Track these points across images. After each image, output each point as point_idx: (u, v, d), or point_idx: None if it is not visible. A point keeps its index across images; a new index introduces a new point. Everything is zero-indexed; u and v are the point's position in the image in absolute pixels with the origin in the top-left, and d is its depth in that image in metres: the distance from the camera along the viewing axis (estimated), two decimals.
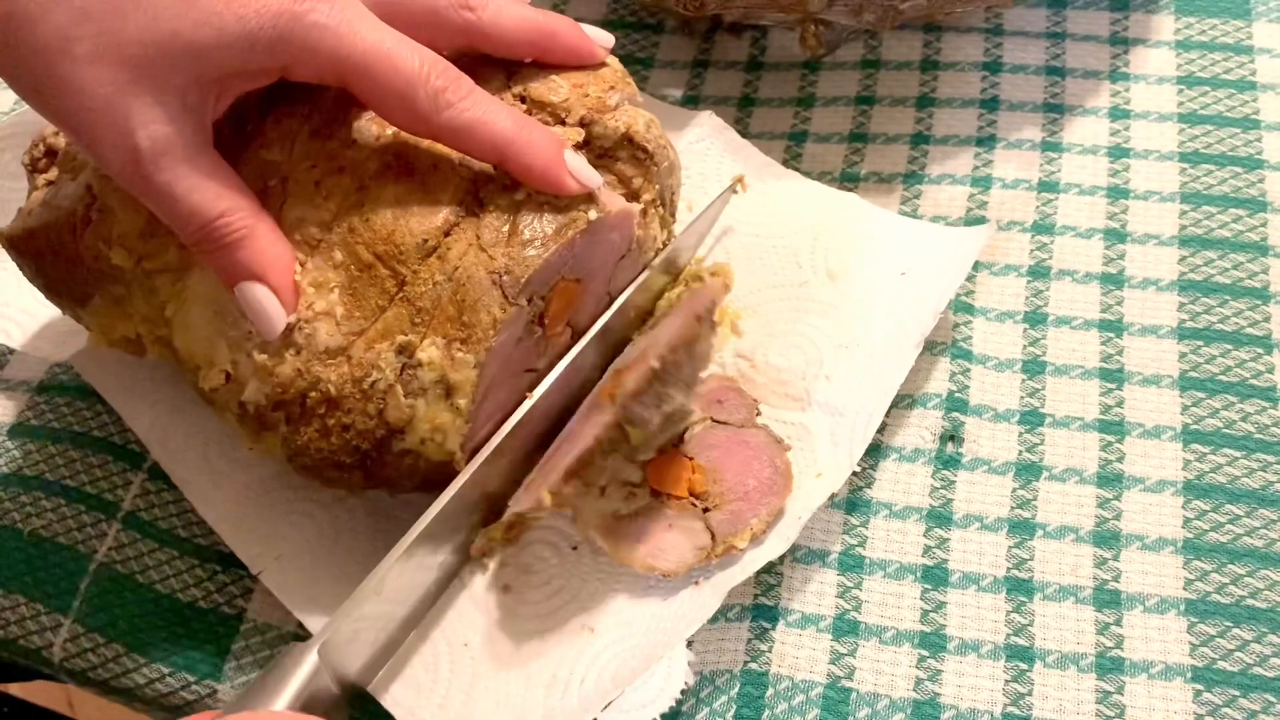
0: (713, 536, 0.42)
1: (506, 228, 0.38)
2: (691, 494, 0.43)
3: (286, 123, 0.40)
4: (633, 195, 0.45)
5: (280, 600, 0.43)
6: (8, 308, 0.55)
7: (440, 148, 0.40)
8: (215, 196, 0.36)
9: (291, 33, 0.36)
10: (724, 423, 0.45)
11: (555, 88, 0.42)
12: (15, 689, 0.68)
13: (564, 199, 0.40)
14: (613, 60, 0.46)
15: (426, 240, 0.38)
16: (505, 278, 0.38)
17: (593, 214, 0.40)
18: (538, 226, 0.39)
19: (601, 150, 0.43)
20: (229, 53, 0.36)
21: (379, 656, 0.41)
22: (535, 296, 0.40)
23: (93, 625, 0.46)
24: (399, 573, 0.39)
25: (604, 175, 0.44)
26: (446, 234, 0.39)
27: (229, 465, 0.46)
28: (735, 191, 0.51)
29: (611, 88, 0.44)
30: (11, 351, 0.55)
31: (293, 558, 0.44)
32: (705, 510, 0.42)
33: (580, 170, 0.40)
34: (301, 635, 0.44)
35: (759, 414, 0.45)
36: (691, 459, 0.43)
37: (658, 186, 0.45)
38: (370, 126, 0.40)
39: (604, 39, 0.45)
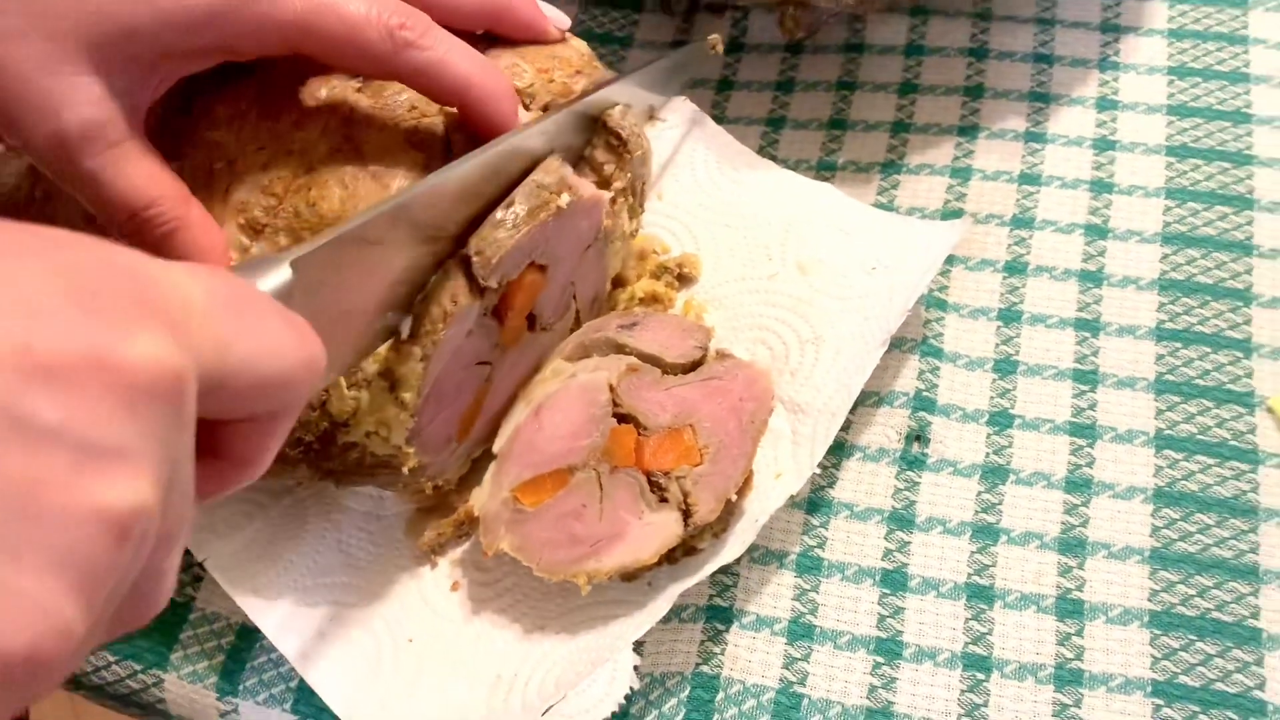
0: (686, 518, 0.40)
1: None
2: (687, 461, 0.41)
3: (236, 103, 0.39)
4: (604, 183, 0.44)
5: (224, 588, 0.43)
6: None
7: (391, 131, 0.38)
8: (144, 184, 0.35)
9: (227, 6, 0.35)
10: (682, 368, 0.43)
11: (520, 73, 0.41)
12: None
13: (533, 184, 0.39)
14: (579, 43, 0.44)
15: None
16: (476, 259, 0.37)
17: (565, 199, 0.39)
18: (510, 209, 0.38)
19: None
20: (164, 32, 0.34)
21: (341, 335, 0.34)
22: (502, 281, 0.39)
23: None
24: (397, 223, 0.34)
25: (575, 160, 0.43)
26: None
27: None
28: (714, 51, 0.49)
29: (577, 72, 0.43)
30: None
31: (240, 547, 0.43)
32: (687, 480, 0.40)
33: None
34: (249, 627, 0.44)
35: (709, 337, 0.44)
36: (684, 427, 0.41)
37: (629, 175, 0.44)
38: (320, 104, 0.39)
39: (561, 19, 0.43)
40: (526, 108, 0.41)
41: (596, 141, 0.43)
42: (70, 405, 0.20)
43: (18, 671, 0.19)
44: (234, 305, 0.24)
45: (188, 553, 0.44)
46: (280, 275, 0.30)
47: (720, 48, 0.49)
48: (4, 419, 0.19)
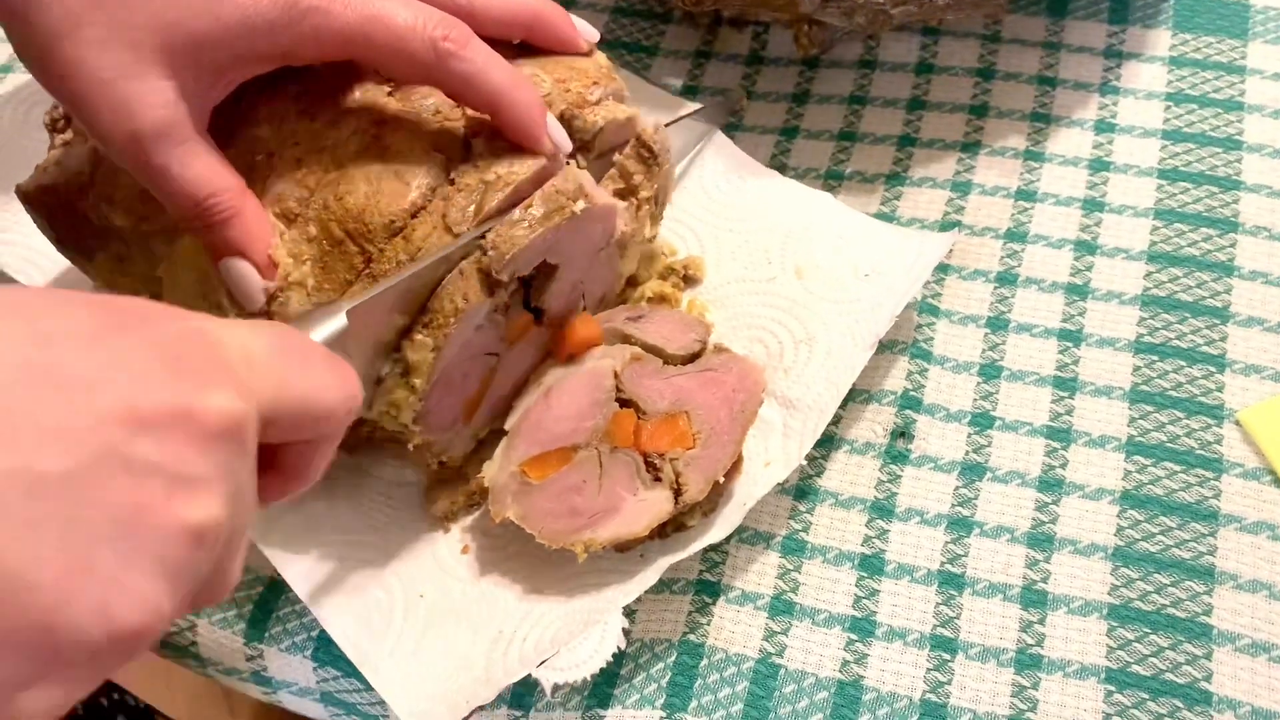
0: (677, 497, 0.43)
1: (472, 209, 0.41)
2: (681, 445, 0.44)
3: (277, 102, 0.43)
4: (631, 190, 0.47)
5: (257, 544, 0.47)
6: (32, 252, 0.58)
7: (416, 133, 0.42)
8: (207, 178, 0.39)
9: (287, 18, 0.38)
10: (682, 359, 0.47)
11: (539, 82, 0.44)
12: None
13: (552, 189, 0.42)
14: (599, 54, 0.48)
15: (393, 221, 0.40)
16: (492, 253, 0.41)
17: (580, 205, 0.42)
18: (528, 210, 0.42)
19: (581, 143, 0.45)
20: (228, 39, 0.38)
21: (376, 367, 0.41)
22: (514, 277, 0.42)
23: None
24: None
25: (605, 167, 0.46)
26: (413, 216, 0.41)
27: None
28: (737, 110, 0.53)
29: (595, 82, 0.46)
30: None
31: (272, 507, 0.47)
32: (680, 462, 0.44)
33: (556, 134, 0.43)
34: (276, 580, 0.47)
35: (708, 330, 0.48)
36: (680, 414, 0.45)
37: (655, 186, 0.48)
38: (353, 105, 0.43)
39: (589, 32, 0.47)
40: None
41: (629, 151, 0.47)
42: (164, 447, 0.25)
43: (126, 643, 0.25)
44: (286, 354, 0.30)
45: None
46: (338, 323, 0.36)
47: (745, 103, 0.53)
48: (117, 458, 0.25)
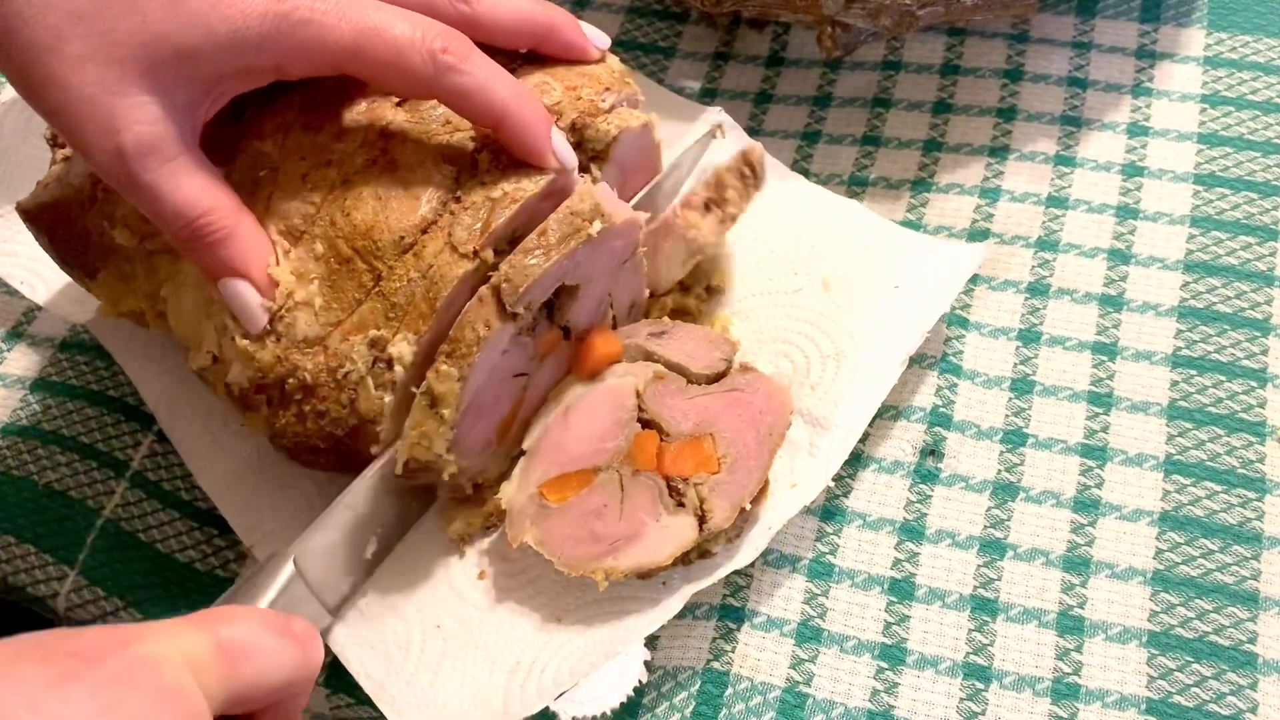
0: (701, 524, 0.42)
1: (479, 226, 0.39)
2: (705, 469, 0.43)
3: (281, 114, 0.41)
4: (720, 201, 0.47)
5: None
6: (36, 263, 0.57)
7: (425, 146, 0.41)
8: (198, 196, 0.38)
9: (278, 31, 0.37)
10: (706, 378, 0.45)
11: (548, 90, 0.43)
12: None
13: (566, 211, 0.41)
14: (612, 59, 0.46)
15: (403, 237, 0.39)
16: (505, 286, 0.39)
17: (597, 226, 0.41)
18: (542, 237, 0.40)
19: (594, 153, 0.43)
20: (217, 53, 0.37)
21: (350, 575, 0.43)
22: (533, 304, 0.41)
23: (96, 579, 0.48)
24: (370, 493, 0.42)
25: (616, 174, 0.45)
26: (423, 231, 0.40)
27: (229, 436, 0.48)
28: (715, 137, 0.51)
29: (607, 89, 0.44)
30: (40, 308, 0.57)
31: (283, 530, 0.46)
32: (704, 487, 0.42)
33: (562, 150, 0.41)
34: None
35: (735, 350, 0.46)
36: (705, 436, 0.43)
37: (745, 205, 0.48)
38: (359, 117, 0.41)
39: (600, 39, 0.45)
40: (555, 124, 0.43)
41: (732, 164, 0.45)
42: None
43: None
44: (230, 648, 0.31)
45: (234, 535, 0.47)
46: (285, 573, 0.39)
47: (722, 133, 0.51)
48: None
